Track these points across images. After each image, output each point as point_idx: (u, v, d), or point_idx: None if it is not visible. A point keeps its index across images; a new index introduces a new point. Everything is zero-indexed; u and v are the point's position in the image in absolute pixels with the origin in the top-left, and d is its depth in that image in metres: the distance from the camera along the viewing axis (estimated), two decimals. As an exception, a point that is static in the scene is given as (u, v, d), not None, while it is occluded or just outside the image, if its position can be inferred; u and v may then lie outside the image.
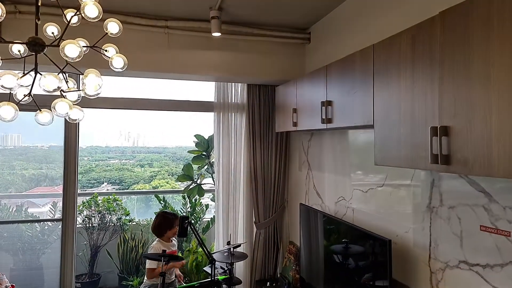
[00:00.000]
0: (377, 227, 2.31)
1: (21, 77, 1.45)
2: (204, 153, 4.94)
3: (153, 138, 5.66)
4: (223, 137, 3.87)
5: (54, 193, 4.77)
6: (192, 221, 2.72)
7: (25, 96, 1.68)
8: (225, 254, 3.30)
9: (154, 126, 5.62)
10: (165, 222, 3.22)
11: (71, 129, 3.49)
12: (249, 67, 3.40)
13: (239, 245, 3.08)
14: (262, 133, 3.84)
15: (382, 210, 2.31)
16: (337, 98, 2.25)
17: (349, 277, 2.41)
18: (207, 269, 3.17)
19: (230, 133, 3.88)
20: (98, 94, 1.60)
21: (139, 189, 4.86)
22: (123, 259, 4.59)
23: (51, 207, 4.44)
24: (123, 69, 1.67)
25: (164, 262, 2.55)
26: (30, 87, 1.62)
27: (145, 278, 3.15)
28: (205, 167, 4.94)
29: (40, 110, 1.72)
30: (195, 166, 4.97)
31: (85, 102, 3.52)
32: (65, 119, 3.53)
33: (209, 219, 4.87)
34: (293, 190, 3.85)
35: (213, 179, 4.97)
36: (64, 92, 1.60)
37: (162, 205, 4.87)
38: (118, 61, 1.64)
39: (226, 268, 3.02)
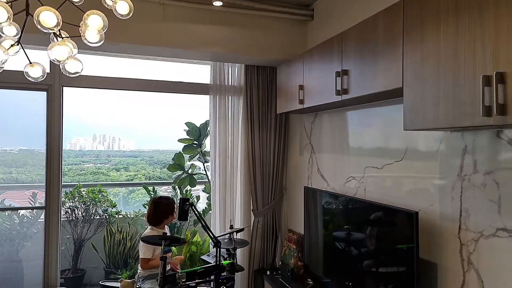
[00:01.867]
0: (396, 204, 2.17)
1: (13, 15, 1.22)
2: (195, 142, 4.72)
3: (129, 140, 5.35)
4: (220, 121, 3.67)
5: (34, 184, 4.44)
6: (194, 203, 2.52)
7: (12, 45, 1.44)
8: (225, 240, 3.10)
9: (131, 128, 5.31)
10: (164, 209, 3.00)
11: (54, 108, 3.21)
12: (248, 44, 3.22)
13: (242, 229, 2.90)
14: (261, 117, 3.66)
15: (401, 185, 2.19)
16: (355, 65, 2.11)
17: (364, 261, 2.27)
18: (205, 258, 2.98)
19: (227, 117, 3.69)
20: (101, 41, 1.38)
21: (116, 192, 4.57)
22: (110, 253, 4.31)
23: (31, 198, 4.11)
24: (129, 16, 1.46)
25: (164, 246, 2.33)
26: (19, 33, 1.39)
27: (139, 268, 2.92)
28: (197, 156, 4.72)
29: (31, 63, 1.49)
30: (186, 156, 4.74)
31: (64, 80, 3.27)
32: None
33: (201, 211, 4.65)
34: (293, 177, 3.69)
35: (205, 169, 4.76)
36: (59, 37, 1.37)
37: (152, 195, 4.61)
38: (122, 6, 1.43)
39: (226, 255, 2.83)
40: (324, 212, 2.75)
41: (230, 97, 3.69)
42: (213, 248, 2.42)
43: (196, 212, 2.50)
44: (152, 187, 4.69)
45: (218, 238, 2.85)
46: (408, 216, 1.87)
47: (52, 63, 3.17)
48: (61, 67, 1.40)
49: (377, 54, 1.90)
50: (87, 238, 4.38)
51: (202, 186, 4.84)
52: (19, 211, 3.98)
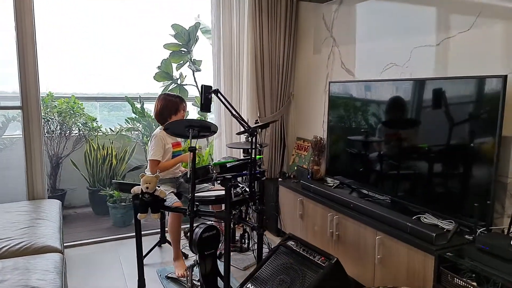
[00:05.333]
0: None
1: None
2: (184, 48, 4.16)
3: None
4: (224, 12, 3.17)
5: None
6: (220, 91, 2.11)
7: None
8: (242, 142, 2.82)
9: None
10: (168, 105, 2.61)
11: None
12: None
13: (267, 125, 2.59)
14: (270, 9, 3.20)
15: (466, 59, 1.95)
16: None
17: (419, 156, 2.10)
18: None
19: (232, 8, 3.19)
20: None
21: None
22: (93, 171, 3.87)
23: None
24: None
25: (193, 135, 1.96)
26: None
27: (148, 172, 2.57)
28: (187, 64, 4.20)
29: None
30: (173, 65, 4.20)
31: None
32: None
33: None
34: (303, 80, 3.37)
35: (195, 80, 4.27)
36: None
37: (139, 111, 4.09)
38: None
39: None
40: (361, 106, 2.51)
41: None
42: (248, 138, 2.11)
43: (224, 100, 2.13)
44: (139, 101, 4.14)
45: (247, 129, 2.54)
46: (492, 83, 1.65)
47: None
48: None
49: None
50: (64, 155, 3.88)
51: (193, 100, 4.38)
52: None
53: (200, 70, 4.16)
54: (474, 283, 1.56)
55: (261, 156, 2.30)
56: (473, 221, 1.72)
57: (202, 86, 2.13)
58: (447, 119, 1.90)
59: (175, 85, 4.16)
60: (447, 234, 1.82)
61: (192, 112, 4.44)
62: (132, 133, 4.14)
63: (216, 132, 2.09)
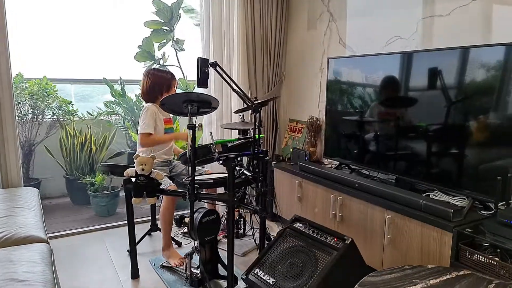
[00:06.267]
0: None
1: None
2: (166, 27, 3.90)
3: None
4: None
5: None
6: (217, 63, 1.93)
7: None
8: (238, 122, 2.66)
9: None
10: (160, 82, 2.41)
11: None
12: None
13: (267, 102, 2.43)
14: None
15: (480, 28, 1.88)
16: None
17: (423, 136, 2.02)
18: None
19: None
20: None
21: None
22: (70, 158, 3.58)
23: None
24: None
25: (191, 108, 1.78)
26: None
27: (139, 149, 2.37)
28: (169, 44, 3.95)
29: None
30: (155, 45, 3.94)
31: None
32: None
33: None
34: (295, 59, 3.23)
35: (178, 60, 4.04)
36: None
37: (118, 93, 3.82)
38: None
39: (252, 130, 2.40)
40: (363, 82, 2.40)
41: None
42: (243, 118, 1.96)
43: (224, 75, 1.96)
44: (120, 83, 3.85)
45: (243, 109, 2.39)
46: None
47: None
48: None
49: None
50: (37, 142, 3.57)
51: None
52: None
53: (183, 50, 3.93)
54: (497, 259, 1.51)
55: (264, 135, 2.15)
56: (492, 197, 1.66)
57: (198, 58, 1.94)
58: (463, 92, 1.82)
59: (158, 65, 3.91)
60: (462, 210, 1.76)
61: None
62: (112, 117, 3.87)
63: (217, 107, 1.92)
